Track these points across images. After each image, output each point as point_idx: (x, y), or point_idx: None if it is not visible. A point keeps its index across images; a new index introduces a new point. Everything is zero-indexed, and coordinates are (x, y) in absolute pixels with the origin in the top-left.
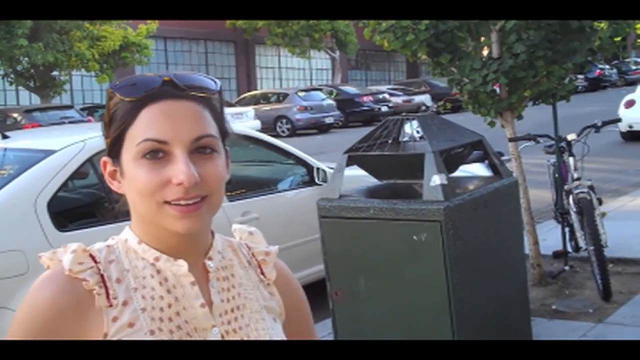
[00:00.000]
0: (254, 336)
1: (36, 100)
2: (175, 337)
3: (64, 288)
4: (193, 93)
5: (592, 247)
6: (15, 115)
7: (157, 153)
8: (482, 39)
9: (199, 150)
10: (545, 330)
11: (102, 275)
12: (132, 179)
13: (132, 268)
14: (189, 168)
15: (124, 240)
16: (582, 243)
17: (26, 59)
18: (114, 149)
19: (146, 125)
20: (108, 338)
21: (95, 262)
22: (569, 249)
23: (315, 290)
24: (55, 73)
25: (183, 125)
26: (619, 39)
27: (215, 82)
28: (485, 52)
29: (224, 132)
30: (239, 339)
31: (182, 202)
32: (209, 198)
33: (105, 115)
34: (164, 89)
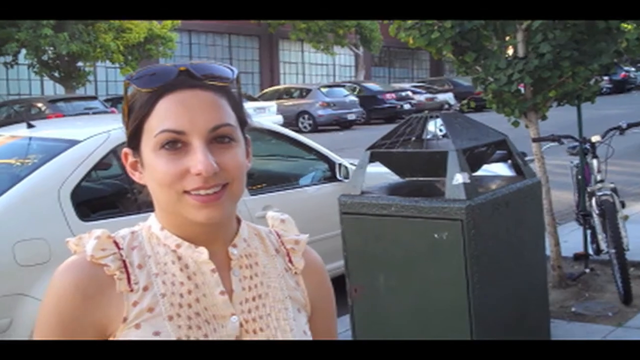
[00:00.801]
0: (273, 326)
1: (60, 91)
2: (193, 324)
3: (86, 273)
4: (210, 82)
5: (613, 250)
6: (39, 105)
7: (175, 143)
8: (508, 38)
9: (218, 139)
10: (563, 332)
11: (124, 261)
12: (151, 170)
13: (154, 254)
14: (207, 158)
15: (148, 226)
16: (603, 246)
17: (51, 48)
18: (134, 140)
19: (163, 116)
20: (127, 322)
21: (119, 248)
22: (590, 251)
23: (335, 287)
24: (80, 64)
25: (200, 114)
26: None
27: (232, 71)
28: (510, 52)
29: (242, 120)
30: (258, 328)
31: (202, 192)
32: (229, 186)
33: (124, 106)
34: (180, 78)
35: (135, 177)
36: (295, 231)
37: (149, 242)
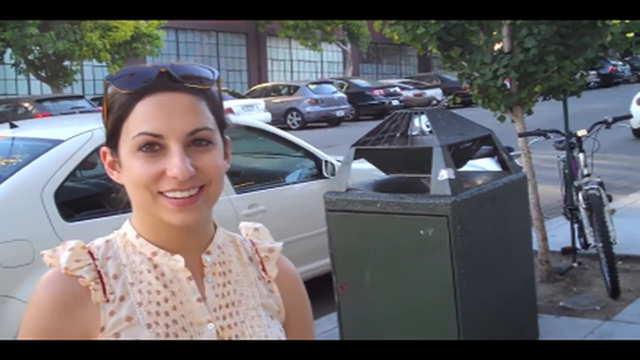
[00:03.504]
0: (248, 333)
1: (47, 90)
2: (171, 331)
3: (62, 286)
4: (189, 85)
5: (600, 244)
6: (26, 104)
7: (153, 146)
8: (494, 33)
9: (195, 142)
10: (551, 327)
11: (99, 272)
12: (128, 170)
13: (129, 263)
14: (183, 162)
15: (122, 233)
16: (590, 240)
17: (37, 48)
18: (112, 140)
19: (141, 119)
20: (105, 331)
21: (93, 258)
22: (578, 245)
23: (322, 284)
24: (66, 63)
25: (178, 118)
26: (631, 34)
27: (213, 72)
28: (496, 47)
29: (221, 122)
30: (233, 335)
31: (178, 195)
32: (206, 188)
33: (103, 106)
34: (159, 80)
35: (114, 176)
36: (269, 239)
37: (124, 250)
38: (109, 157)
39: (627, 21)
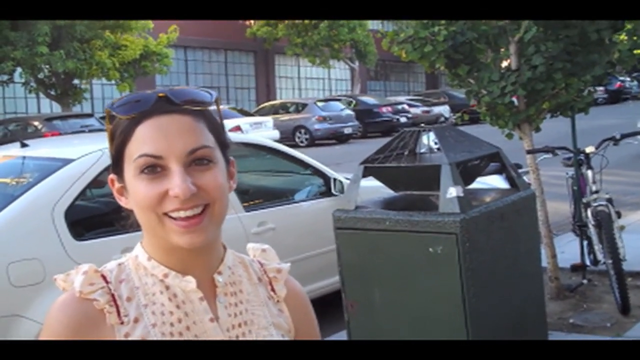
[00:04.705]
0: None
1: (57, 109)
2: None
3: (77, 310)
4: (187, 107)
5: (610, 261)
6: (36, 123)
7: (154, 168)
8: (501, 50)
9: (196, 162)
10: None
11: (112, 295)
12: (133, 194)
13: (142, 285)
14: (184, 181)
15: (134, 256)
16: (600, 256)
17: (47, 67)
18: (117, 166)
19: (142, 142)
20: None
21: (107, 282)
22: (587, 262)
23: (331, 302)
24: (76, 81)
25: (177, 139)
26: (639, 51)
27: (210, 95)
28: (504, 64)
29: (223, 142)
30: None
31: (182, 214)
32: (210, 207)
33: (107, 134)
34: (158, 104)
35: (122, 202)
36: (276, 260)
37: (136, 273)
38: (116, 184)
39: (634, 38)
